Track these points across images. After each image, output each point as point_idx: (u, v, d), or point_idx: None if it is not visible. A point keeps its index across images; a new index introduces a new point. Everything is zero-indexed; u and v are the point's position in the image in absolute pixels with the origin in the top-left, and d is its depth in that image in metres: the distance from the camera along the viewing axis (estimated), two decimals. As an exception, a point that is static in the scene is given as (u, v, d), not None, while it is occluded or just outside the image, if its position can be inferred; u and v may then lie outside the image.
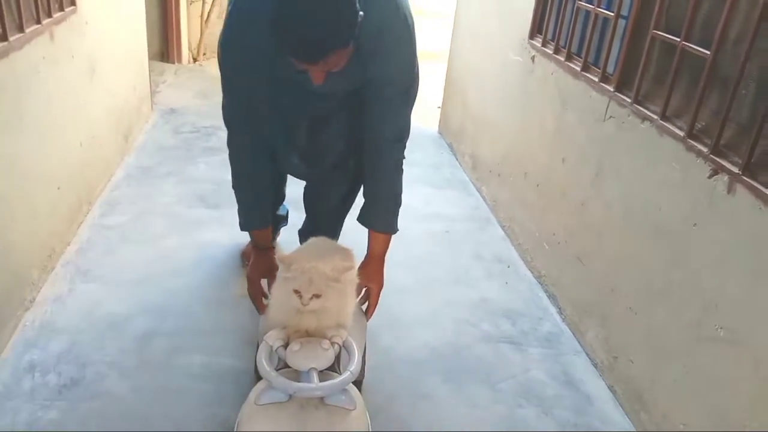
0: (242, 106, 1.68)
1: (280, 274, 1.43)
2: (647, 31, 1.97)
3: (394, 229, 1.84)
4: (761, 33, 1.53)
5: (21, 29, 2.10)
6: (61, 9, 2.48)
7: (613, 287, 2.10)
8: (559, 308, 2.46)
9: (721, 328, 1.60)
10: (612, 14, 2.19)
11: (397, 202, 1.82)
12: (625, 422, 1.96)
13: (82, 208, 2.73)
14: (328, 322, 1.43)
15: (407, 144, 1.77)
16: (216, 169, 3.32)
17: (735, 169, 1.57)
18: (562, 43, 2.57)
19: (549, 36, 2.70)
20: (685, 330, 1.73)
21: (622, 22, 2.16)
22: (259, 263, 1.79)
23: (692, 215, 1.71)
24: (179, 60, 5.33)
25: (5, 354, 1.98)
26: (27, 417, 1.77)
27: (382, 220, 1.82)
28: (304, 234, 2.36)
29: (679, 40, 1.81)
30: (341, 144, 1.94)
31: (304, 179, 2.20)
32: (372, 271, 1.81)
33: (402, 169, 1.80)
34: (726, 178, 1.59)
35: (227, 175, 1.83)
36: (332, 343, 1.40)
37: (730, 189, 1.58)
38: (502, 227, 3.08)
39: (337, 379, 1.32)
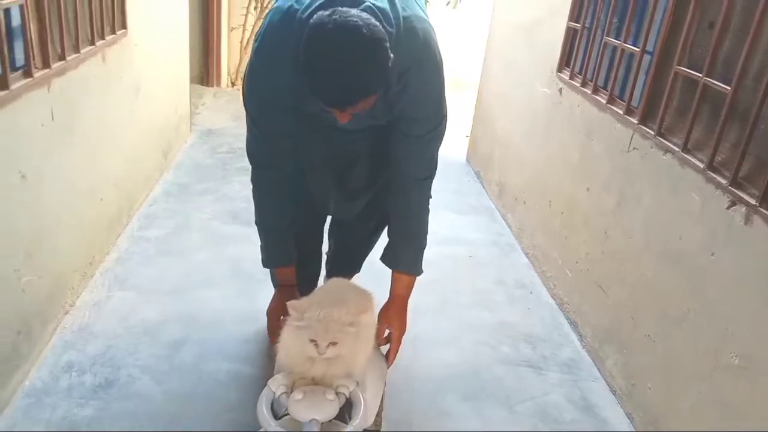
0: (266, 142, 1.65)
1: (291, 321, 1.39)
2: (671, 67, 2.03)
3: (418, 271, 1.80)
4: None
5: (77, 50, 2.26)
6: (113, 32, 2.65)
7: (632, 314, 2.14)
8: (580, 335, 2.49)
9: (736, 356, 1.63)
10: (638, 50, 2.26)
11: (423, 243, 1.79)
12: (641, 449, 1.98)
13: (122, 220, 2.86)
14: (338, 371, 1.38)
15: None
16: (250, 188, 3.43)
17: (753, 201, 1.61)
18: (589, 76, 2.64)
19: (577, 69, 2.77)
20: (702, 357, 1.76)
21: (647, 58, 2.23)
22: (280, 300, 1.71)
23: (710, 245, 1.76)
24: (218, 84, 5.54)
25: (45, 353, 2.08)
26: (63, 413, 1.86)
27: (406, 261, 1.78)
28: (328, 261, 2.33)
29: (701, 75, 1.88)
30: (371, 180, 1.91)
31: (344, 218, 2.12)
32: (394, 313, 1.77)
33: (428, 208, 1.77)
34: (744, 209, 1.64)
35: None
36: (338, 393, 1.35)
37: (747, 220, 1.63)
38: (526, 254, 3.13)
39: None
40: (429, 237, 1.83)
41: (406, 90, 1.51)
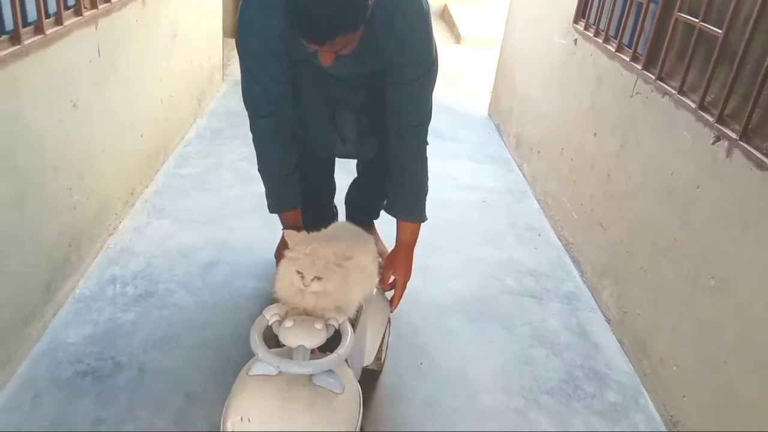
0: (262, 89, 1.65)
1: (286, 252, 1.46)
2: (672, 14, 2.15)
3: (421, 218, 1.83)
4: (766, 13, 1.70)
5: (120, -6, 2.45)
6: (152, -21, 2.83)
7: (628, 249, 2.29)
8: (581, 271, 2.66)
9: (713, 278, 1.78)
10: (645, -1, 2.37)
11: (423, 190, 1.81)
12: (628, 368, 2.15)
13: (159, 157, 3.09)
14: (328, 305, 1.43)
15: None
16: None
17: (734, 135, 1.74)
18: (601, 26, 2.75)
19: (591, 20, 2.88)
20: (684, 282, 1.91)
21: (652, 6, 2.33)
22: (285, 243, 1.65)
23: (696, 178, 1.90)
24: (250, 38, 5.69)
25: (92, 268, 2.33)
26: (109, 316, 2.11)
27: (408, 209, 1.81)
28: (349, 203, 2.37)
29: (697, 21, 1.99)
30: (374, 127, 1.89)
31: (354, 158, 2.19)
32: (399, 260, 1.82)
33: (426, 156, 1.79)
34: (726, 143, 1.77)
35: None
36: (327, 325, 1.39)
37: (728, 153, 1.76)
38: (538, 201, 3.28)
39: (322, 360, 1.32)
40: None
41: (392, 35, 1.54)
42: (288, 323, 1.36)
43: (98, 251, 2.40)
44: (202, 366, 1.93)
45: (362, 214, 2.31)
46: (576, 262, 2.73)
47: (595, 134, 2.66)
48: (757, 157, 1.64)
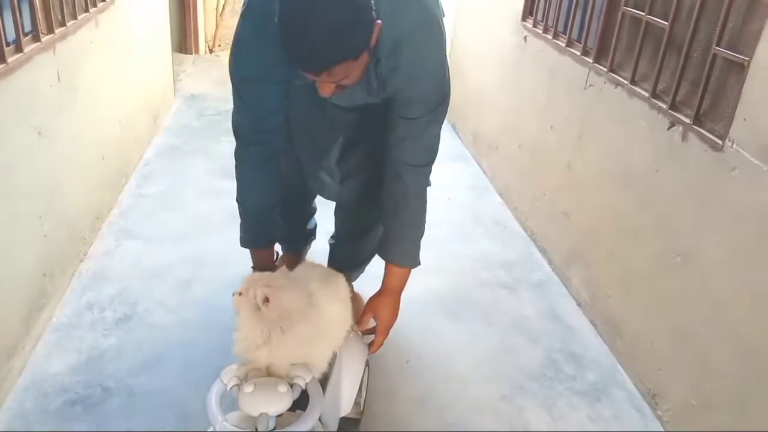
0: (253, 117, 1.54)
1: (239, 297, 1.32)
2: (619, 8, 2.26)
3: (414, 263, 1.68)
4: (707, 3, 1.82)
5: (74, 16, 2.42)
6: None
7: (594, 235, 2.40)
8: (549, 260, 2.76)
9: (678, 255, 1.89)
10: (591, -5, 2.48)
11: (418, 234, 1.66)
12: (603, 348, 2.26)
13: (121, 179, 3.05)
14: (290, 361, 1.31)
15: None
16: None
17: (687, 120, 1.86)
18: (550, 22, 2.86)
19: (539, 17, 2.99)
20: (650, 262, 2.02)
21: (599, 1, 2.45)
22: None
23: (655, 162, 2.01)
24: (196, 51, 5.65)
25: (66, 295, 2.30)
26: (91, 342, 2.09)
27: (400, 252, 1.66)
28: (330, 252, 2.18)
29: (644, 14, 2.11)
30: (373, 165, 1.72)
31: (334, 200, 2.01)
32: (382, 303, 1.68)
33: (426, 198, 1.64)
34: (681, 128, 1.89)
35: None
36: (293, 385, 1.26)
37: (684, 137, 1.87)
38: (500, 194, 3.38)
39: (288, 428, 1.21)
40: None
41: (399, 66, 1.37)
42: (248, 388, 1.23)
43: (71, 278, 2.37)
44: (191, 384, 1.93)
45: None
46: (543, 251, 2.83)
47: (551, 127, 2.77)
48: (711, 139, 1.75)
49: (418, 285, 2.48)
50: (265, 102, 1.50)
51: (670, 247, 1.92)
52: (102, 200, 2.76)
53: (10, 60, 1.85)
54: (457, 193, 3.38)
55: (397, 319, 1.75)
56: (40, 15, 2.09)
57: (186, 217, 2.91)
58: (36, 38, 2.07)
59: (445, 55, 1.48)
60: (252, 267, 1.75)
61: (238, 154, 1.63)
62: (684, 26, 1.93)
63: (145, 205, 2.98)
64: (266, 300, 1.26)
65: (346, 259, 2.12)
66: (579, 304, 2.48)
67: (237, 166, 1.65)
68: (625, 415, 1.98)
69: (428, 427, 1.88)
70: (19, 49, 1.93)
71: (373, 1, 1.20)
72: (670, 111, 1.94)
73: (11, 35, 1.92)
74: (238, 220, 1.74)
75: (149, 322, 2.20)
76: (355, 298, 2.22)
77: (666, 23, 1.98)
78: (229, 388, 1.27)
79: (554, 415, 1.96)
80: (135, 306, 2.27)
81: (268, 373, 1.30)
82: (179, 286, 2.41)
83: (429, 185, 1.66)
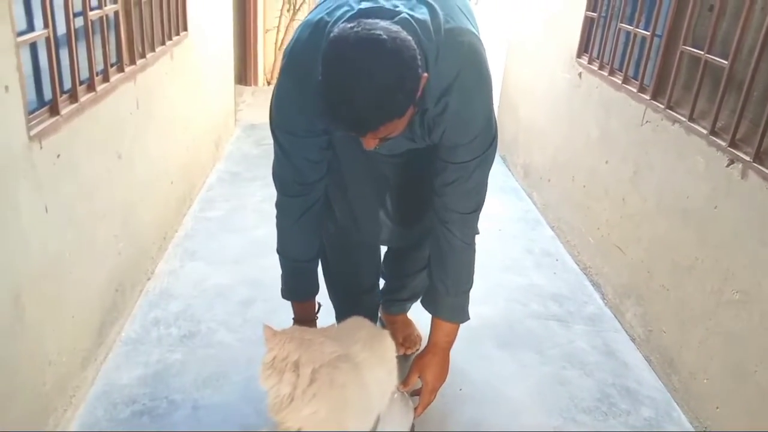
0: (294, 169, 1.52)
1: (265, 357, 1.28)
2: (677, 47, 2.30)
3: (462, 318, 1.64)
4: (768, 44, 1.85)
5: (152, 49, 2.59)
6: (177, 33, 2.98)
7: (648, 269, 2.40)
8: (602, 294, 2.76)
9: (737, 292, 1.89)
10: (648, 33, 2.52)
11: (466, 287, 1.61)
12: (658, 384, 2.24)
13: (186, 202, 3.20)
14: (321, 426, 1.23)
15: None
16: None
17: (747, 158, 1.87)
18: (605, 60, 2.91)
19: (594, 54, 3.04)
20: (708, 298, 2.02)
21: (656, 40, 2.49)
22: None
23: (713, 199, 2.02)
24: (255, 83, 5.88)
25: (135, 312, 2.41)
26: (158, 357, 2.19)
27: (447, 306, 1.61)
28: (383, 293, 2.21)
29: (703, 53, 2.14)
30: (425, 206, 1.69)
31: (398, 243, 1.97)
32: (428, 362, 1.63)
33: (474, 248, 1.59)
34: (740, 165, 1.90)
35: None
36: None
37: (743, 175, 1.89)
38: (551, 227, 3.40)
39: None
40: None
41: (446, 112, 1.34)
42: None
43: (139, 295, 2.49)
44: (253, 399, 2.00)
45: (393, 302, 2.14)
46: (596, 284, 2.83)
47: (606, 162, 2.79)
48: (771, 176, 1.76)
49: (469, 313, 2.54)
50: (306, 154, 1.50)
51: (729, 283, 1.92)
52: (168, 222, 2.90)
53: (98, 88, 2.00)
54: (507, 225, 3.41)
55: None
56: (124, 47, 2.25)
57: (246, 240, 3.02)
58: (120, 69, 2.22)
59: (492, 98, 1.43)
60: (293, 319, 1.77)
61: (279, 205, 1.64)
62: (744, 65, 1.96)
63: (208, 228, 3.11)
64: (287, 364, 1.20)
65: (399, 294, 2.15)
66: (633, 339, 2.47)
67: (277, 217, 1.66)
68: (680, 452, 1.97)
69: (481, 454, 1.90)
70: (106, 78, 2.09)
71: (419, 56, 1.16)
72: (729, 148, 1.96)
73: (99, 66, 2.07)
74: None
75: (212, 339, 2.30)
76: (408, 325, 2.28)
77: (726, 62, 2.01)
78: None
79: (608, 448, 1.96)
80: (199, 324, 2.37)
81: None
82: (240, 305, 2.50)
83: (477, 233, 1.61)
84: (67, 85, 1.84)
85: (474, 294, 2.60)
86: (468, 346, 2.34)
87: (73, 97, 1.83)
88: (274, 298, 2.50)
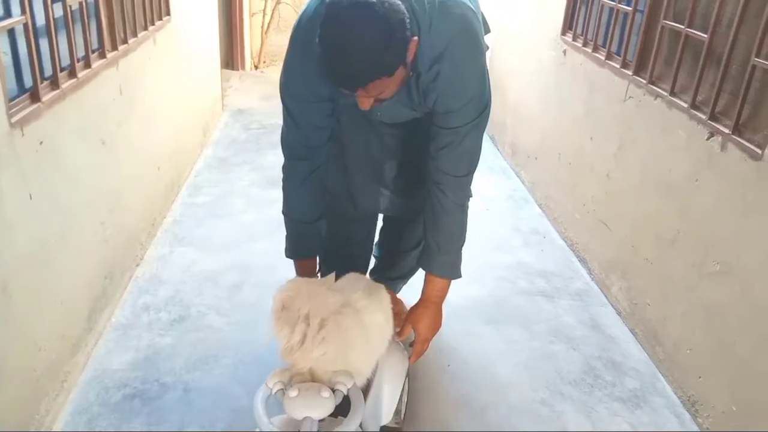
0: (301, 134, 1.60)
1: (277, 300, 1.34)
2: (658, 22, 2.30)
3: (454, 275, 1.70)
4: (747, 16, 1.85)
5: (135, 34, 2.57)
6: (160, 18, 2.96)
7: (633, 244, 2.43)
8: (589, 269, 2.79)
9: (717, 263, 1.92)
10: (630, 9, 2.53)
11: (458, 245, 1.68)
12: (643, 356, 2.28)
13: (173, 188, 3.20)
14: (329, 366, 1.32)
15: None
16: (281, 159, 3.73)
17: (727, 131, 1.89)
18: (589, 36, 2.91)
19: (578, 31, 3.04)
20: (691, 270, 2.05)
21: (639, 16, 2.49)
22: None
23: (694, 172, 2.04)
24: (242, 67, 5.85)
25: (125, 297, 2.43)
26: (148, 341, 2.20)
27: (439, 263, 1.67)
28: (374, 270, 2.27)
29: (683, 27, 2.15)
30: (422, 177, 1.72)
31: (391, 213, 2.02)
32: (421, 314, 1.70)
33: (467, 209, 1.66)
34: (720, 138, 1.92)
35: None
36: (335, 391, 1.28)
37: (723, 147, 1.91)
38: (539, 205, 3.42)
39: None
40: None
41: (438, 79, 1.41)
42: (292, 393, 1.25)
43: (128, 281, 2.50)
44: (244, 382, 2.03)
45: (383, 281, 2.09)
46: (582, 260, 2.86)
47: (591, 138, 2.81)
48: (750, 148, 1.78)
49: (456, 292, 2.54)
50: (312, 119, 1.57)
51: (710, 255, 1.95)
52: (157, 208, 2.90)
53: (80, 75, 1.99)
54: (495, 204, 3.43)
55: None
56: (106, 32, 2.24)
57: (234, 225, 3.03)
58: (102, 55, 2.22)
59: (485, 65, 1.49)
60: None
61: (286, 169, 1.71)
62: (723, 38, 1.97)
63: (197, 214, 3.11)
64: (295, 310, 1.30)
65: (390, 272, 2.20)
66: (619, 313, 2.50)
67: (284, 180, 1.73)
68: (664, 422, 2.00)
69: (469, 428, 1.93)
70: (87, 64, 2.08)
71: (408, 19, 1.24)
72: (709, 121, 1.97)
73: (80, 52, 2.07)
74: (282, 229, 1.80)
75: (202, 323, 2.31)
76: (397, 302, 2.30)
77: (705, 36, 2.02)
78: (274, 392, 1.29)
79: (593, 420, 1.99)
80: (188, 308, 2.39)
81: (312, 378, 1.32)
82: (229, 289, 2.52)
83: (470, 196, 1.68)
84: (48, 72, 1.83)
85: (463, 272, 2.64)
86: (456, 324, 2.38)
87: (54, 83, 1.83)
88: (262, 283, 2.55)
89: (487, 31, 1.61)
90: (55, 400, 1.85)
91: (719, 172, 1.93)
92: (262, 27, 5.95)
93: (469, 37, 1.42)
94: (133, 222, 2.56)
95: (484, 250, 2.92)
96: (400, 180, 1.86)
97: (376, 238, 2.21)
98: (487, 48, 1.53)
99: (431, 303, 1.71)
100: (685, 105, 2.10)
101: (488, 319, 2.44)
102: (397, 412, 1.72)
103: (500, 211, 3.36)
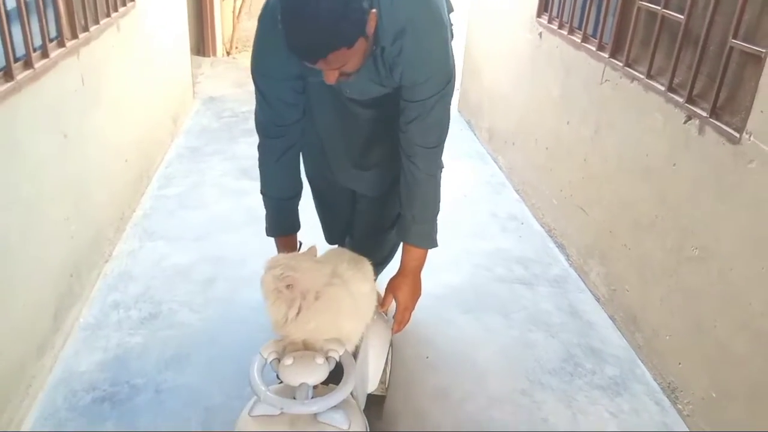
0: (273, 111, 1.62)
1: (267, 274, 1.38)
2: (635, 3, 2.26)
3: (430, 244, 1.73)
4: (722, -3, 1.82)
5: (97, 21, 2.47)
6: (124, 4, 2.86)
7: (611, 229, 2.40)
8: (567, 255, 2.77)
9: (696, 248, 1.90)
10: (606, -10, 2.49)
11: (432, 214, 1.71)
12: (622, 342, 2.26)
13: (143, 180, 3.11)
14: (324, 335, 1.37)
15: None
16: (255, 148, 3.59)
17: (704, 114, 1.86)
18: (565, 18, 2.87)
19: (554, 13, 3.00)
20: (669, 255, 2.03)
21: (614, -3, 2.46)
22: None
23: (671, 156, 2.01)
24: (214, 53, 5.72)
25: (93, 295, 2.35)
26: (117, 341, 2.14)
27: (414, 232, 1.70)
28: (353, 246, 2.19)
29: (659, 8, 2.11)
30: (397, 159, 1.74)
31: (363, 191, 2.05)
32: (400, 283, 1.74)
33: (439, 180, 1.69)
34: (697, 121, 1.89)
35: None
36: (328, 358, 1.33)
37: (700, 130, 1.88)
38: (516, 190, 3.39)
39: (326, 397, 1.26)
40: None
41: (403, 51, 1.45)
42: (287, 361, 1.30)
43: (97, 278, 2.42)
44: (217, 380, 1.98)
45: None
46: (560, 246, 2.84)
47: (568, 122, 2.77)
48: (728, 131, 1.76)
49: (435, 280, 2.53)
50: (282, 97, 1.59)
51: (688, 240, 1.93)
52: (125, 202, 2.82)
53: (36, 65, 1.90)
54: (473, 190, 3.40)
55: (416, 309, 1.79)
56: (64, 20, 2.14)
57: (206, 216, 2.96)
58: (61, 43, 2.12)
59: (447, 39, 1.53)
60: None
61: (261, 148, 1.72)
62: (700, 20, 1.93)
63: (167, 206, 3.03)
64: (289, 286, 1.33)
65: (370, 257, 2.14)
66: (597, 299, 2.49)
67: (259, 159, 1.74)
68: (645, 408, 1.99)
69: (449, 420, 1.91)
70: (45, 54, 1.99)
71: None
72: (686, 104, 1.94)
73: (37, 41, 1.97)
74: (256, 219, 1.80)
75: (174, 320, 2.25)
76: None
77: (682, 17, 1.98)
78: (269, 361, 1.33)
79: (574, 409, 1.97)
80: (159, 305, 2.32)
81: (305, 347, 1.37)
82: (202, 284, 2.45)
83: (442, 167, 1.69)
84: (1, 63, 1.74)
85: (439, 262, 2.60)
86: (435, 315, 2.34)
87: (8, 74, 1.74)
88: (236, 276, 2.49)
89: (451, 10, 1.67)
90: (21, 405, 1.78)
91: (697, 156, 1.90)
92: (234, 12, 5.82)
93: (430, 12, 1.46)
94: (101, 216, 2.48)
95: (462, 237, 2.89)
96: (373, 157, 1.89)
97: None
98: (451, 25, 1.59)
99: (410, 272, 1.75)
100: (662, 88, 2.07)
101: (466, 308, 2.41)
102: (382, 381, 1.79)
103: (477, 197, 3.33)
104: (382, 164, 1.89)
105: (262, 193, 1.79)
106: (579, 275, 2.65)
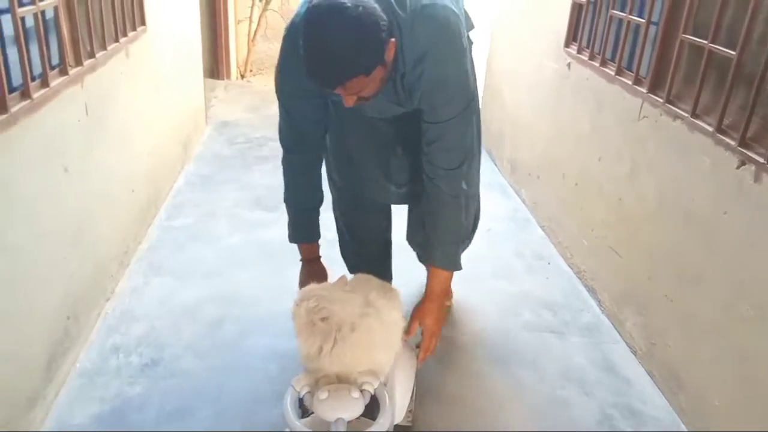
0: (296, 128, 1.72)
1: (297, 309, 1.40)
2: (676, 36, 2.11)
3: (454, 267, 1.74)
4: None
5: (104, 47, 2.35)
6: (134, 28, 2.74)
7: (649, 276, 2.23)
8: (599, 300, 2.59)
9: (751, 307, 1.71)
10: (643, 21, 2.33)
11: (457, 237, 1.73)
12: (662, 402, 2.07)
13: (150, 210, 2.97)
14: (356, 367, 1.36)
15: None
16: (269, 176, 3.55)
17: (761, 159, 1.69)
18: (596, 49, 2.72)
19: (584, 44, 2.85)
20: (719, 311, 1.85)
21: (652, 28, 2.30)
22: (309, 272, 1.83)
23: (722, 203, 1.84)
24: (228, 77, 5.63)
25: (92, 337, 2.20)
26: (115, 391, 1.98)
27: (441, 253, 1.70)
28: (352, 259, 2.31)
29: (706, 42, 1.95)
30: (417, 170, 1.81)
31: (408, 203, 2.11)
32: (426, 310, 1.71)
33: (461, 201, 1.69)
34: (753, 167, 1.72)
35: (280, 181, 1.85)
36: (363, 391, 1.32)
37: (756, 178, 1.71)
38: (542, 227, 3.22)
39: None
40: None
41: (422, 76, 1.49)
42: (322, 395, 1.30)
43: (96, 318, 2.27)
44: (221, 437, 1.82)
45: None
46: (591, 290, 2.66)
47: (600, 158, 2.61)
48: (790, 180, 1.59)
49: (458, 325, 2.37)
50: (305, 114, 1.69)
51: (743, 297, 1.75)
52: (130, 234, 2.68)
53: (35, 95, 1.77)
54: (496, 225, 3.23)
55: (442, 360, 1.84)
56: (68, 46, 2.02)
57: (217, 251, 2.81)
58: (63, 72, 1.99)
59: (467, 64, 1.56)
60: (300, 260, 1.90)
61: (284, 161, 1.81)
62: (753, 55, 1.77)
63: (175, 238, 2.89)
64: (324, 318, 1.34)
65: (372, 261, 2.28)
66: (634, 352, 2.30)
67: (283, 171, 1.83)
68: (691, 480, 1.80)
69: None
70: (45, 83, 1.86)
71: (384, 22, 1.33)
72: (739, 148, 1.78)
73: (37, 69, 1.85)
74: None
75: (177, 368, 2.09)
76: None
77: (733, 53, 1.82)
78: (302, 395, 1.32)
79: (613, 479, 1.79)
80: (162, 350, 2.16)
81: (338, 379, 1.36)
82: (209, 326, 2.30)
83: (465, 189, 1.69)
84: (-5, 93, 1.61)
85: (464, 305, 2.45)
86: (459, 364, 2.18)
87: (2, 107, 1.60)
88: (246, 318, 2.34)
89: (471, 27, 1.77)
90: (6, 466, 1.62)
91: (752, 205, 1.73)
92: (249, 35, 5.73)
93: (450, 39, 1.50)
94: (103, 251, 2.34)
95: (486, 278, 2.72)
96: (402, 172, 1.93)
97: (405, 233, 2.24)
98: (471, 43, 1.67)
99: (436, 297, 1.73)
100: (710, 128, 1.90)
101: (493, 358, 2.23)
102: (409, 411, 1.79)
103: (501, 233, 3.16)
104: (413, 177, 1.90)
105: (285, 201, 1.86)
106: (613, 324, 2.46)
